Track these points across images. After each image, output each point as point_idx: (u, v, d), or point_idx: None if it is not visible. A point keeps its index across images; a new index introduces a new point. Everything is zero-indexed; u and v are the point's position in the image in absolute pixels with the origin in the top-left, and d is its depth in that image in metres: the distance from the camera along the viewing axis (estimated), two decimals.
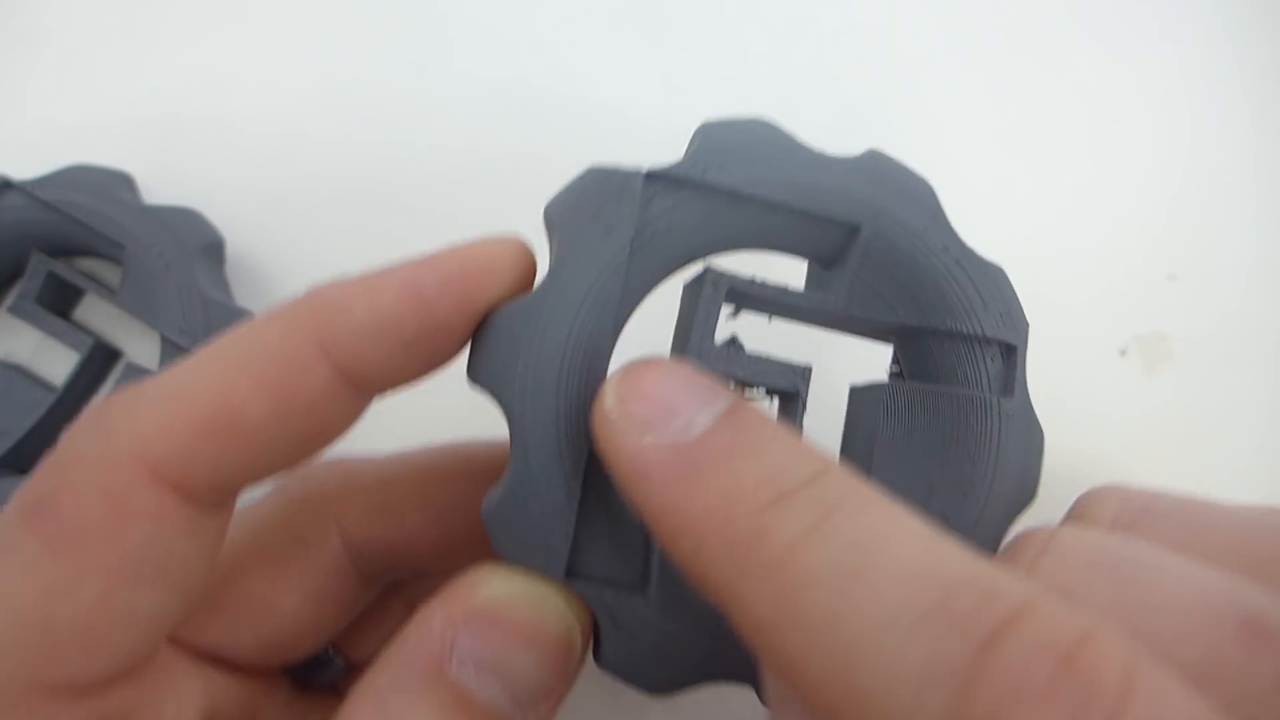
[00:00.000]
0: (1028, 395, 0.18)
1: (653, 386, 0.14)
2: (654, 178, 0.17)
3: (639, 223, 0.17)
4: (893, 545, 0.12)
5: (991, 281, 0.18)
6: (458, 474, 0.21)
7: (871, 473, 0.18)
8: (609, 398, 0.14)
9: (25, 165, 0.30)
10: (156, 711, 0.16)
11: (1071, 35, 0.33)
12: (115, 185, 0.30)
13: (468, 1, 0.34)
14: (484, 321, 0.17)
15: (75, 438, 0.15)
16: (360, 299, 0.16)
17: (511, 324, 0.16)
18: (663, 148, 0.17)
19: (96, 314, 0.32)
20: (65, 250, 0.30)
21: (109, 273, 0.31)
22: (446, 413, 0.24)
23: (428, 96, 0.33)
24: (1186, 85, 0.33)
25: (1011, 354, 0.18)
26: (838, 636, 0.11)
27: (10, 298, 0.30)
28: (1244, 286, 0.31)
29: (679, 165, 0.17)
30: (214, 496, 0.15)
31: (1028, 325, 0.18)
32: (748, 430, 0.13)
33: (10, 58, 0.34)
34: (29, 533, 0.14)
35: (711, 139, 0.17)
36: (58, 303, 0.31)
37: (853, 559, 0.12)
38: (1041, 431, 0.18)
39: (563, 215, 0.17)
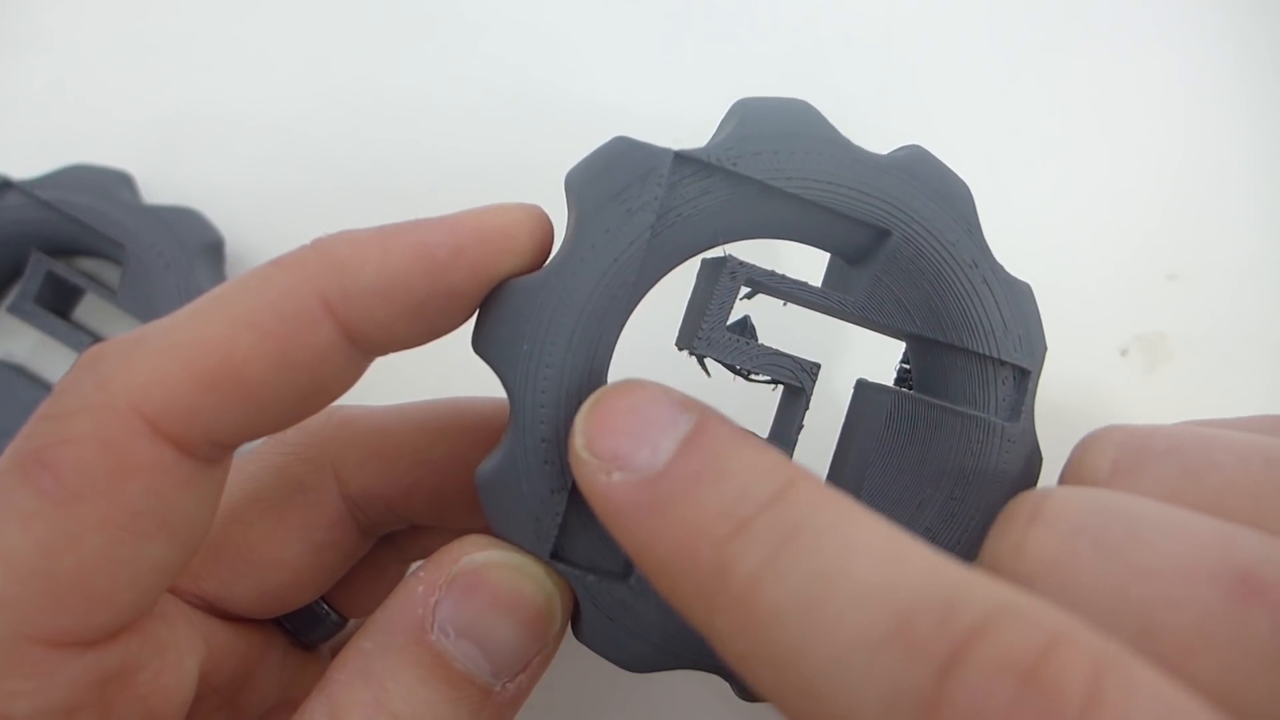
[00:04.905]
0: (1033, 419, 0.18)
1: (617, 419, 0.14)
2: (683, 160, 0.16)
3: (662, 208, 0.16)
4: (852, 567, 0.12)
5: (1016, 302, 0.17)
6: (456, 428, 0.21)
7: (864, 480, 0.17)
8: (578, 437, 0.14)
9: (25, 165, 0.30)
10: (157, 662, 0.16)
11: (1070, 36, 0.33)
12: (115, 185, 0.30)
13: (466, 2, 0.34)
14: (494, 291, 0.16)
15: (71, 388, 0.14)
16: (371, 258, 0.15)
17: (522, 300, 0.16)
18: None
19: (96, 314, 0.32)
20: (65, 250, 0.30)
21: (109, 273, 0.31)
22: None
23: (427, 96, 0.33)
24: (1186, 85, 0.33)
25: (1024, 379, 0.17)
26: (805, 667, 0.12)
27: (10, 298, 0.30)
28: (1244, 286, 0.31)
29: (711, 149, 0.17)
30: (212, 451, 0.15)
31: (1045, 349, 0.18)
32: (710, 454, 0.13)
33: (11, 58, 0.34)
34: (26, 486, 0.14)
35: (748, 123, 0.17)
36: (57, 303, 0.30)
37: (813, 588, 0.12)
38: (1041, 457, 0.18)
39: (584, 188, 0.16)
